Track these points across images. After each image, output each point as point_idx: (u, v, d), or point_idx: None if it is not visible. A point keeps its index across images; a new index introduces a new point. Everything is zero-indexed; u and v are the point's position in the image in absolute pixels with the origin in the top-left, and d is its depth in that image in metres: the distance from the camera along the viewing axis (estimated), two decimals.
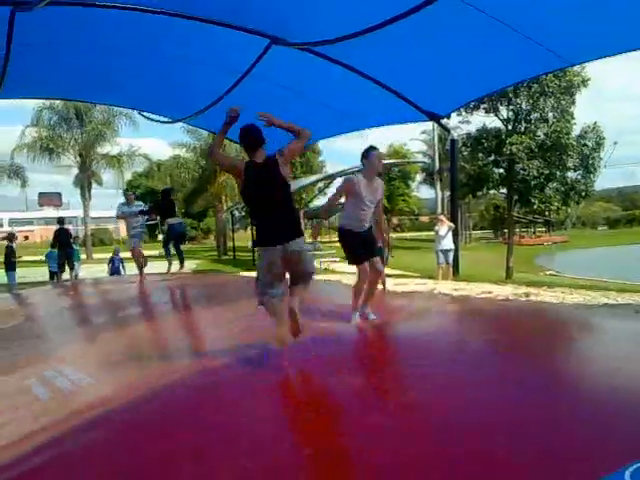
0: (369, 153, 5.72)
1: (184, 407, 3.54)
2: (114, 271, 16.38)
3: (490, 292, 8.80)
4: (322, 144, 42.70)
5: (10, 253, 14.57)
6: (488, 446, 2.64)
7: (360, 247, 5.64)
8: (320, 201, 31.64)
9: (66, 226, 16.77)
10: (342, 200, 5.90)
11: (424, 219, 62.95)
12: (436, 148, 32.28)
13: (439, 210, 29.75)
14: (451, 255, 11.68)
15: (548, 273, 30.35)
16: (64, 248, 15.30)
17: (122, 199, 11.85)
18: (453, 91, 10.72)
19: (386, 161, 33.40)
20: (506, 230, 31.73)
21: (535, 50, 8.39)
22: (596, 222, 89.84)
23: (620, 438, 2.63)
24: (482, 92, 11.85)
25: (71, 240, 15.91)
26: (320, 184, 33.14)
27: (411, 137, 78.65)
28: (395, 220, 49.57)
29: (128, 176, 45.95)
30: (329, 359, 4.54)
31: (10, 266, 14.46)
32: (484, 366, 4.09)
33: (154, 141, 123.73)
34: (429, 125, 44.26)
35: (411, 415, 3.12)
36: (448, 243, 11.69)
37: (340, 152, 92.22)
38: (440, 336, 5.57)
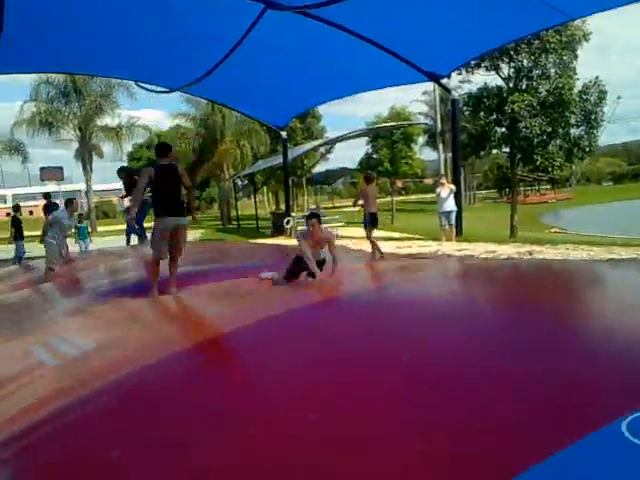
0: None
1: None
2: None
3: (494, 251, 8.84)
4: (321, 109, 42.35)
5: (17, 223, 14.73)
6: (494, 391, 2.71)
7: None
8: (322, 166, 31.53)
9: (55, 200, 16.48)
10: None
11: (428, 181, 62.68)
12: (437, 109, 31.81)
13: (442, 171, 29.54)
14: (453, 216, 11.66)
15: (553, 230, 30.34)
16: None
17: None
18: (453, 50, 10.57)
19: (388, 124, 33.14)
20: (510, 189, 31.51)
21: (535, 5, 8.24)
22: (601, 178, 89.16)
23: (620, 389, 2.67)
24: (482, 50, 11.67)
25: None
26: (322, 149, 32.99)
27: (412, 99, 77.36)
28: (399, 183, 49.32)
29: (129, 147, 45.87)
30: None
31: (18, 236, 14.64)
32: (480, 324, 4.12)
33: (153, 112, 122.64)
34: (430, 86, 43.70)
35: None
36: (450, 205, 11.66)
37: (339, 116, 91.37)
38: (437, 296, 5.58)
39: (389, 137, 36.79)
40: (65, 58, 12.56)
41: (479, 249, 9.29)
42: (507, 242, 10.75)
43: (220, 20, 10.53)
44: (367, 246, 9.87)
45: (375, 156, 38.44)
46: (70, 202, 10.15)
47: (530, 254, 8.28)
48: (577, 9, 8.47)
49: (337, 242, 6.72)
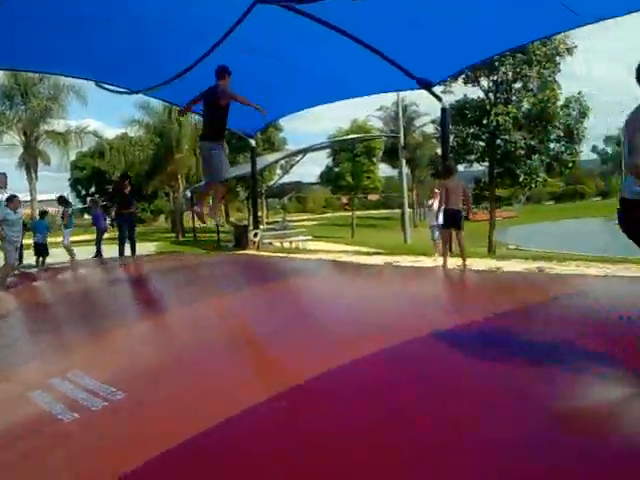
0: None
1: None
2: (100, 226, 15.68)
3: (498, 268, 8.34)
4: (282, 121, 41.66)
5: None
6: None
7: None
8: (282, 179, 30.70)
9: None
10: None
11: (372, 197, 62.41)
12: (401, 123, 31.56)
13: (405, 187, 29.56)
14: None
15: (511, 247, 30.61)
16: None
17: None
18: (449, 56, 10.00)
19: (355, 135, 32.77)
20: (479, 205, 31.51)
21: (546, 6, 7.86)
22: (541, 198, 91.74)
23: None
24: (479, 58, 11.13)
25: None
26: (282, 162, 32.34)
27: (367, 114, 77.17)
28: (344, 199, 49.25)
29: (72, 156, 43.69)
30: None
31: None
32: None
33: (94, 122, 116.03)
34: (386, 101, 43.75)
35: None
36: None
37: (290, 132, 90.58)
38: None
39: (350, 150, 36.34)
40: (19, 53, 11.29)
41: (478, 264, 8.78)
42: (505, 258, 10.32)
43: (200, 16, 9.67)
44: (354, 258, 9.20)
45: (337, 169, 37.89)
46: (11, 199, 10.98)
47: (541, 270, 7.80)
48: (593, 12, 8.03)
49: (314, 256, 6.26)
